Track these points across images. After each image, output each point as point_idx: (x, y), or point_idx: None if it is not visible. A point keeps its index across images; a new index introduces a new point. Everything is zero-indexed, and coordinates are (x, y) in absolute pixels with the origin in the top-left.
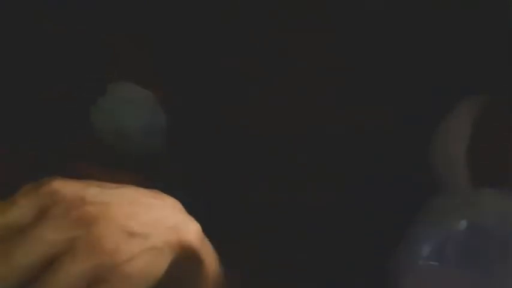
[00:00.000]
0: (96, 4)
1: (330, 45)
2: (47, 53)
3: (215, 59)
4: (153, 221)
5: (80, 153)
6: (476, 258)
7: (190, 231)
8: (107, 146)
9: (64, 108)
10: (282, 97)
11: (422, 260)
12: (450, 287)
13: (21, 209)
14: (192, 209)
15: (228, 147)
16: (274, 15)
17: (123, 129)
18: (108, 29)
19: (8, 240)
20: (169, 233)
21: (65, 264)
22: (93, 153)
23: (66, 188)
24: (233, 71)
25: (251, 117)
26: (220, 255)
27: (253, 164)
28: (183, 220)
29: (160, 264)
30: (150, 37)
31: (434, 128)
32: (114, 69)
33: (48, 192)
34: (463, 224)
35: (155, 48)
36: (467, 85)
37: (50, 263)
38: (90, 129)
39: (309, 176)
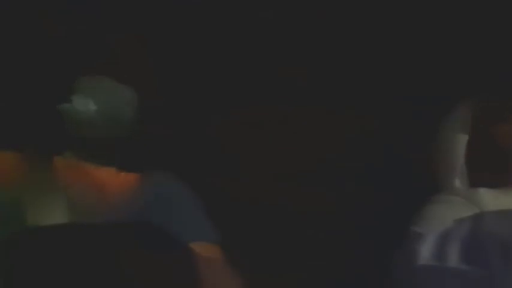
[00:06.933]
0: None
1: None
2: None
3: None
4: None
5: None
6: (476, 257)
7: None
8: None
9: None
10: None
11: (422, 260)
12: (450, 286)
13: None
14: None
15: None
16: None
17: (87, 117)
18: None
19: None
20: None
21: None
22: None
23: None
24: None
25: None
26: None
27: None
28: None
29: None
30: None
31: (434, 128)
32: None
33: None
34: (462, 223)
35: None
36: (466, 86)
37: None
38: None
39: (308, 177)
